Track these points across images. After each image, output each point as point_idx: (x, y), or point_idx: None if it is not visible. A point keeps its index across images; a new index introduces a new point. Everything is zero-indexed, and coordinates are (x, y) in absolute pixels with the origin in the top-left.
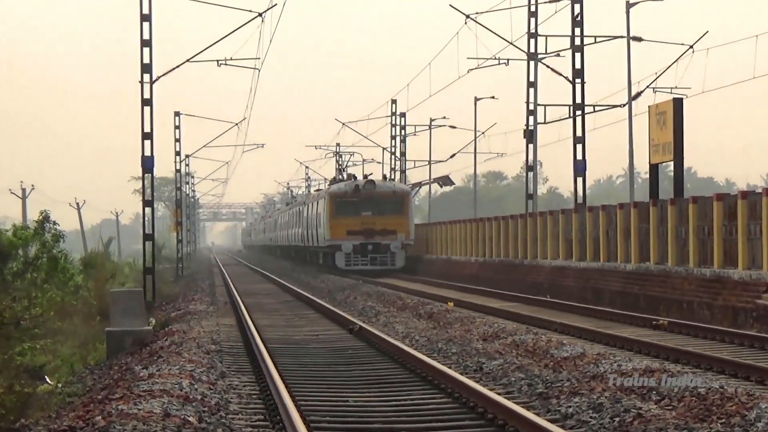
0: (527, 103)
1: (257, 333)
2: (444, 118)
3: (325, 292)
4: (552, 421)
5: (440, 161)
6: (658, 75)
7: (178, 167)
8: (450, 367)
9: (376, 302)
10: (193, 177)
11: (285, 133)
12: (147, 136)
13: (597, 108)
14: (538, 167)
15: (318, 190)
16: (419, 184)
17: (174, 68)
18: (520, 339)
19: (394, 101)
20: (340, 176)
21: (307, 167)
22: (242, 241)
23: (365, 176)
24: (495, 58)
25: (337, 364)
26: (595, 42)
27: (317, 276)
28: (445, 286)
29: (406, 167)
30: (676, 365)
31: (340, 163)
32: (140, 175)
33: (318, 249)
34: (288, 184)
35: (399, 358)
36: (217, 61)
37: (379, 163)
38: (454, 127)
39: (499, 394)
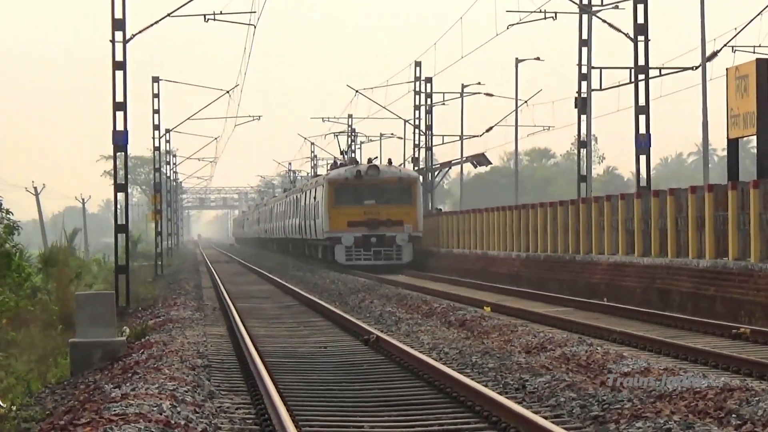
0: (579, 65)
1: (253, 344)
2: (478, 84)
3: (335, 295)
4: None
5: (474, 136)
6: (738, 31)
7: (156, 144)
8: (486, 386)
9: (396, 307)
10: (175, 156)
11: (286, 103)
12: (119, 106)
13: (664, 71)
14: (593, 143)
15: (317, 175)
16: (449, 164)
17: (152, 24)
18: (571, 351)
19: (418, 64)
20: (344, 158)
21: (312, 144)
22: (233, 233)
23: (369, 160)
24: (540, 11)
25: (349, 382)
26: None
27: (325, 276)
28: (480, 287)
29: (433, 143)
30: (761, 382)
31: (352, 138)
32: (111, 153)
33: (317, 242)
34: (290, 164)
35: (425, 374)
36: (205, 15)
37: (400, 138)
38: (490, 95)
39: (545, 417)
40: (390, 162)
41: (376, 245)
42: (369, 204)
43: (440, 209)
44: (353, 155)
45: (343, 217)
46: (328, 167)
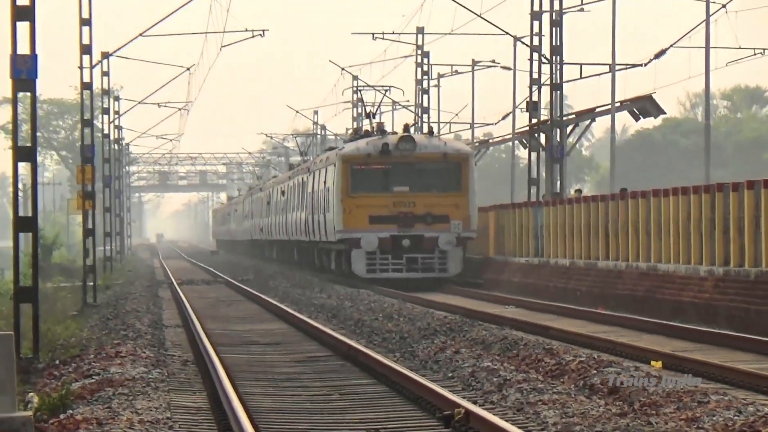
0: None
1: (251, 426)
2: None
3: (393, 341)
4: None
5: (634, 66)
6: None
7: (87, 78)
8: None
9: (500, 361)
10: (118, 99)
11: (308, 11)
12: (23, 12)
13: None
14: None
15: (330, 148)
16: (590, 114)
17: None
18: None
19: None
20: (371, 124)
21: (356, 79)
22: (214, 232)
23: (405, 128)
24: None
25: None
26: None
27: (377, 306)
28: (641, 326)
29: (563, 77)
30: None
31: (422, 69)
32: (8, 95)
33: (329, 246)
34: (315, 115)
35: None
36: None
37: (506, 69)
38: None
39: None
40: (431, 131)
41: (410, 250)
42: (400, 191)
43: (580, 191)
44: (375, 121)
45: (364, 211)
46: (368, 126)
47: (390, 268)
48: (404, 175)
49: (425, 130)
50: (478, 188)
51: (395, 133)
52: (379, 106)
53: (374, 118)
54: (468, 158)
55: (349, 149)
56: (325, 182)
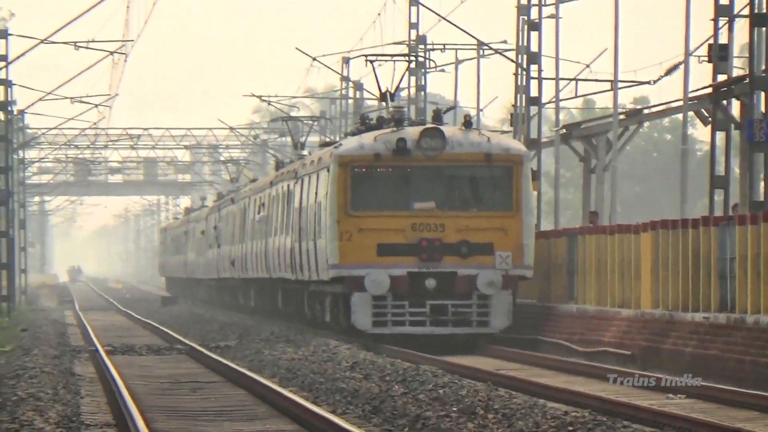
0: None
1: None
2: None
3: None
4: None
5: None
6: None
7: None
8: None
9: None
10: (6, 36)
11: None
12: None
13: None
14: None
15: (325, 144)
16: None
17: None
18: None
19: None
20: (387, 109)
21: (415, 3)
22: (162, 266)
23: (436, 114)
24: None
25: None
26: None
27: (447, 397)
28: None
29: None
30: None
31: None
32: None
33: (321, 288)
34: (346, 66)
35: None
36: None
37: None
38: None
39: None
40: (468, 121)
41: (435, 295)
42: (423, 209)
43: None
44: (392, 104)
45: (369, 236)
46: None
47: (407, 320)
48: (429, 185)
49: (534, 92)
50: (625, 190)
51: (421, 122)
52: (401, 79)
53: (393, 99)
54: (522, 161)
55: (349, 147)
56: (316, 194)
